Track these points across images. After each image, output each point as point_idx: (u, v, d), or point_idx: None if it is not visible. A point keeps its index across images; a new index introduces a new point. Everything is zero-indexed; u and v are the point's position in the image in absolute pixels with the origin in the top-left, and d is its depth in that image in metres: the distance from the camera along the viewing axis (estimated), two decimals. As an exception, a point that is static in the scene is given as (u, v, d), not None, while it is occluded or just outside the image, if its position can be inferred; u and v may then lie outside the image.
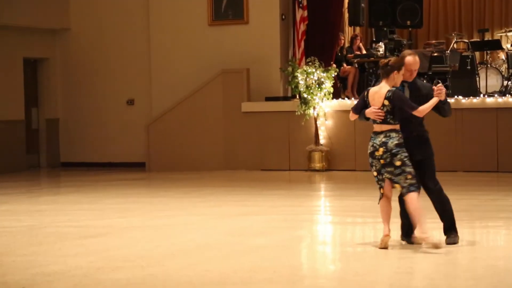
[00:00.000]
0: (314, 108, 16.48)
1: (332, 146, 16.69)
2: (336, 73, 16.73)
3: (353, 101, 16.87)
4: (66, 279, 6.96)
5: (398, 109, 7.88)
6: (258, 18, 17.61)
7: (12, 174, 17.33)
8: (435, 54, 17.32)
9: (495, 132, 15.73)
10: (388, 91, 7.92)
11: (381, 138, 7.90)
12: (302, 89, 16.38)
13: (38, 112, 19.32)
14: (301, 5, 17.32)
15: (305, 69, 16.44)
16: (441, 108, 8.08)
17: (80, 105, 19.22)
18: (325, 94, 16.44)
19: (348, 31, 19.80)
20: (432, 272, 6.92)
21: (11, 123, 18.03)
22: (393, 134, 7.90)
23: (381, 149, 7.88)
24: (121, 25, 18.94)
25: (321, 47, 17.41)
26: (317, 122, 16.67)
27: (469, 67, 16.28)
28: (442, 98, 7.93)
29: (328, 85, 16.41)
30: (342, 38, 18.33)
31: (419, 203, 7.78)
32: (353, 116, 8.23)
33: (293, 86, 16.59)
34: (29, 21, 18.20)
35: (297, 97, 16.70)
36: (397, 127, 7.91)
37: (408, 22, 17.51)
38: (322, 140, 16.72)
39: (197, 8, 18.04)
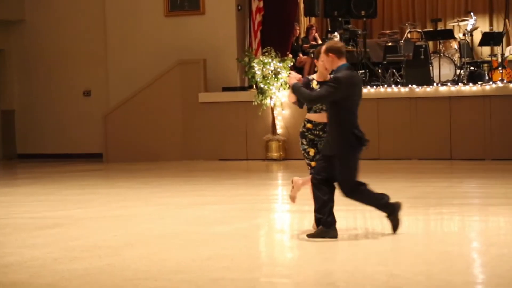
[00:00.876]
0: (271, 98, 16.50)
1: (289, 136, 16.72)
2: (292, 63, 16.76)
3: (309, 91, 16.90)
4: (23, 270, 6.88)
5: None
6: (214, 9, 17.57)
7: (-32, 166, 17.13)
8: (389, 44, 17.43)
9: (448, 120, 15.89)
10: None
11: None
12: (258, 79, 16.39)
13: (-6, 104, 19.09)
14: (257, -5, 17.31)
15: (261, 59, 16.44)
16: None
17: (36, 96, 19.02)
18: (281, 84, 16.47)
19: (304, 21, 19.83)
20: (386, 258, 6.97)
21: (-34, 114, 17.82)
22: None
23: None
24: (77, 16, 18.76)
25: (277, 37, 17.42)
26: (274, 112, 16.69)
27: (422, 57, 16.41)
28: (289, 82, 7.98)
29: (284, 75, 16.43)
30: (298, 28, 18.36)
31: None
32: None
33: (249, 76, 16.59)
34: (-17, 12, 17.96)
35: (254, 87, 16.71)
36: (307, 115, 8.16)
37: (363, 13, 17.58)
38: (279, 130, 16.75)
39: (153, -1, 17.95)
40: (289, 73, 8.06)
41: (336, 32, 17.74)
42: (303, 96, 7.79)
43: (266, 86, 16.38)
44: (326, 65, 7.84)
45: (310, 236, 7.86)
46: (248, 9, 17.66)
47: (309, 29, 18.54)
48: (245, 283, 6.25)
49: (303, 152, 8.31)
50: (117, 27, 18.22)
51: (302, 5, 18.93)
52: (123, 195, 12.13)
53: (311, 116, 8.10)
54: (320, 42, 18.22)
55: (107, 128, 17.69)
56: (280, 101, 16.61)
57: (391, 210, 7.84)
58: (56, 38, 18.90)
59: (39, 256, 7.44)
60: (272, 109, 16.65)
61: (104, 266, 6.94)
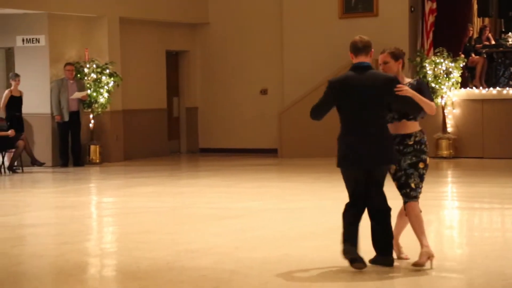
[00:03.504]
0: (442, 97, 16.23)
1: (459, 134, 16.39)
2: (464, 63, 16.40)
3: (481, 91, 16.51)
4: (208, 257, 7.18)
5: None
6: (388, 10, 17.44)
7: (156, 158, 17.88)
8: None
9: None
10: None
11: None
12: (430, 79, 16.16)
13: (179, 101, 19.82)
14: (430, -3, 17.05)
15: (433, 59, 16.20)
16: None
17: (217, 94, 19.60)
18: (453, 84, 16.16)
19: (477, 22, 19.33)
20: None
21: (154, 111, 18.59)
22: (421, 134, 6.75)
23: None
24: (256, 19, 19.16)
25: (449, 38, 17.05)
26: (445, 111, 16.40)
27: None
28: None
29: (456, 75, 16.12)
30: (471, 29, 17.92)
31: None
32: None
33: (421, 76, 16.37)
34: (172, 16, 18.68)
35: (425, 86, 16.45)
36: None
37: (538, 12, 16.92)
38: (449, 128, 16.45)
39: (328, 1, 18.04)
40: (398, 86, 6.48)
41: (510, 33, 17.21)
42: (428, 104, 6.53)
43: (437, 86, 16.14)
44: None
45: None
46: (421, 10, 17.41)
47: (482, 29, 18.06)
48: (417, 277, 6.24)
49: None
50: (294, 28, 18.46)
51: (475, 6, 18.46)
52: (297, 189, 12.31)
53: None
54: (493, 42, 17.73)
55: (282, 125, 17.97)
56: (451, 100, 16.31)
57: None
58: (236, 40, 19.39)
59: (222, 244, 7.73)
60: (443, 108, 16.37)
61: (281, 255, 7.12)
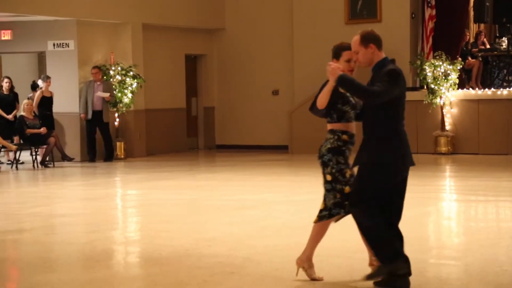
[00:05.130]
0: (440, 97, 16.21)
1: (457, 132, 16.35)
2: (461, 66, 16.37)
3: (477, 92, 16.47)
4: (223, 244, 7.21)
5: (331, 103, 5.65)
6: (390, 17, 17.41)
7: (176, 154, 17.94)
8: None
9: None
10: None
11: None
12: (429, 81, 16.14)
13: (197, 101, 19.87)
14: (429, 4, 17.01)
15: (432, 62, 16.17)
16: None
17: (233, 95, 19.63)
18: (451, 85, 16.13)
19: (473, 27, 19.28)
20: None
21: (174, 110, 18.65)
22: (328, 135, 5.73)
23: (318, 154, 5.76)
24: (268, 25, 19.18)
25: (447, 42, 17.03)
26: (443, 110, 16.37)
27: None
28: (331, 77, 5.49)
29: (453, 77, 16.09)
30: (468, 34, 17.89)
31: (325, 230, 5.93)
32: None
33: (421, 78, 16.36)
34: (190, 22, 18.73)
35: (425, 87, 16.45)
36: (335, 126, 5.70)
37: (531, 19, 16.84)
38: (447, 126, 16.42)
39: (335, 8, 18.03)
40: (329, 64, 5.62)
41: (504, 37, 17.15)
42: (360, 90, 5.35)
43: (436, 87, 16.11)
44: (362, 59, 5.61)
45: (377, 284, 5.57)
46: (421, 17, 17.37)
47: (478, 34, 18.02)
48: (416, 264, 6.25)
49: (336, 174, 5.65)
50: (303, 33, 18.45)
51: (472, 12, 18.40)
52: (306, 182, 12.30)
53: (346, 126, 5.71)
54: (488, 46, 17.67)
55: (293, 123, 17.99)
56: (449, 100, 16.27)
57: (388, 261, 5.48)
58: (250, 44, 19.42)
59: (236, 233, 7.76)
60: (442, 107, 16.34)
61: (291, 243, 7.14)
